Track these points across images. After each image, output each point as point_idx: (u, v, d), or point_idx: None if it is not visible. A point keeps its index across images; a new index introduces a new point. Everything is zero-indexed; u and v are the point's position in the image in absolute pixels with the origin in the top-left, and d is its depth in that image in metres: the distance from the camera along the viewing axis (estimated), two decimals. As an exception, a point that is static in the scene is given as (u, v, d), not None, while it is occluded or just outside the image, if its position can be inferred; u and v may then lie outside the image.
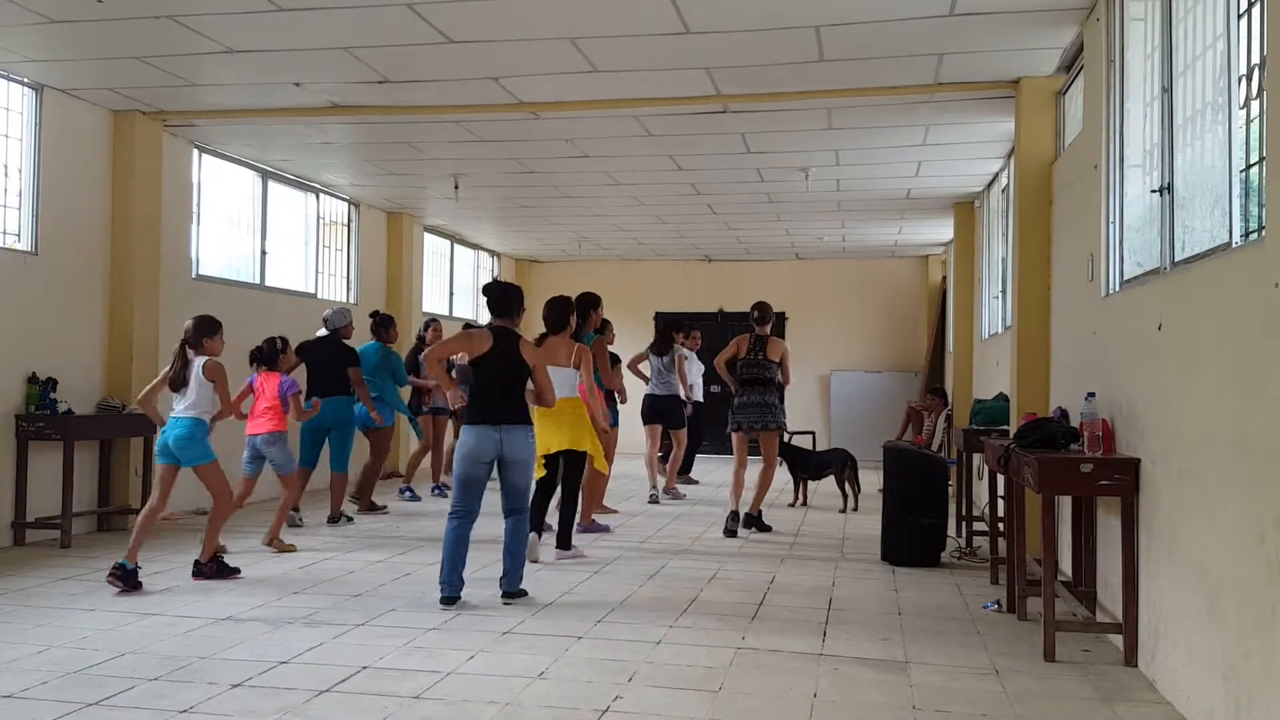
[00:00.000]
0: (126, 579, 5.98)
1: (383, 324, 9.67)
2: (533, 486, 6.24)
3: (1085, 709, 4.14)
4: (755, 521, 8.61)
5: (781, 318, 16.39)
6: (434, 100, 7.89)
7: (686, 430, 11.15)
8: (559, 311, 7.11)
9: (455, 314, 15.05)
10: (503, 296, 6.04)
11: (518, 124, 8.51)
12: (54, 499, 7.66)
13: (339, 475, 8.68)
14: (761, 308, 8.56)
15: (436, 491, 10.64)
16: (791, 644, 5.04)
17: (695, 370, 11.55)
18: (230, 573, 6.42)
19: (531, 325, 7.64)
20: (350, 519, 8.79)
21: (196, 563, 6.43)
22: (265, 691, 4.20)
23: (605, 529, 8.46)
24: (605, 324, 9.36)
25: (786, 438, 10.08)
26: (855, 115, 8.11)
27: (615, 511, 9.53)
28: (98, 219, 8.38)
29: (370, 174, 10.92)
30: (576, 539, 7.59)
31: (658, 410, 10.89)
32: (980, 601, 6.02)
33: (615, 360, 9.44)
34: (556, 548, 7.26)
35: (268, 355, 7.50)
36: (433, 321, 10.58)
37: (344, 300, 12.16)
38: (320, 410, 8.01)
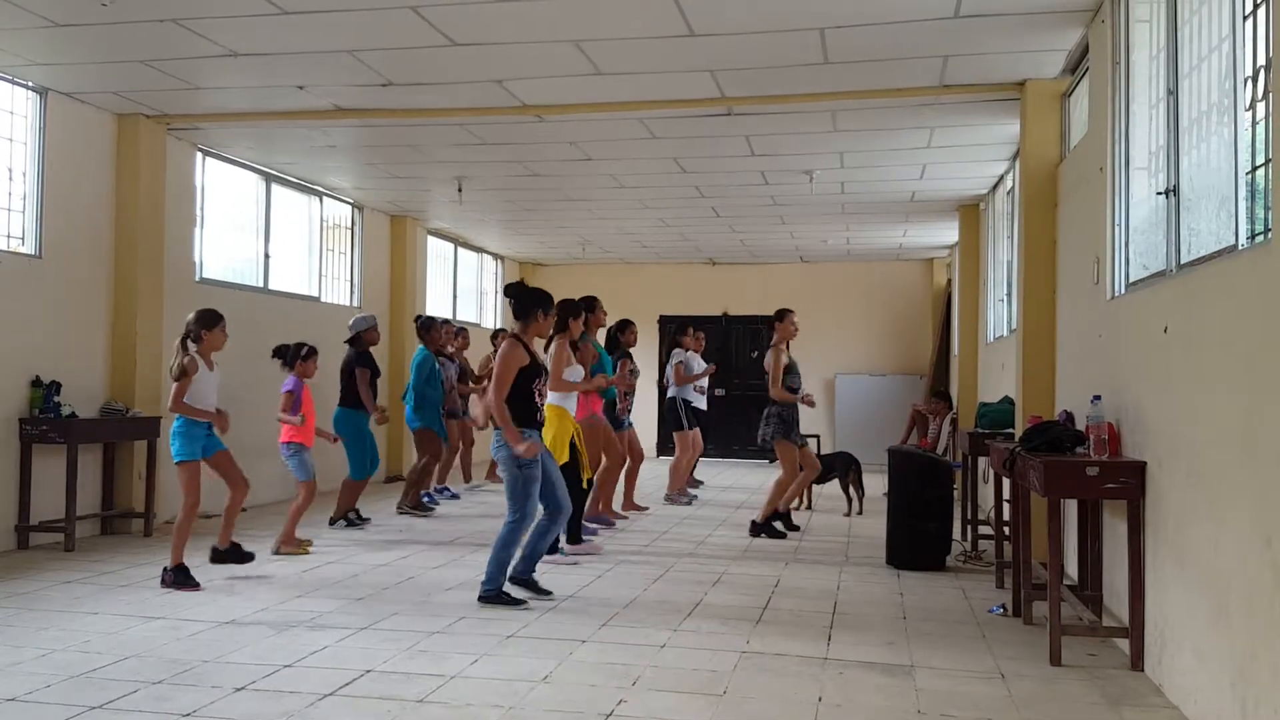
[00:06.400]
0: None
1: (425, 327, 9.77)
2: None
3: (1092, 713, 4.13)
4: (764, 528, 8.55)
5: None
6: (437, 103, 7.89)
7: (688, 434, 10.95)
8: (557, 312, 7.12)
9: (459, 318, 15.05)
10: (515, 299, 6.10)
11: (521, 127, 8.51)
12: (57, 502, 7.67)
13: (346, 481, 8.67)
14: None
15: (447, 494, 10.74)
16: (796, 648, 5.02)
17: (695, 370, 11.43)
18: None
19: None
20: (353, 524, 8.73)
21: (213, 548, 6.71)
22: (269, 695, 4.19)
23: (592, 532, 8.33)
24: (626, 325, 9.46)
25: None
26: (860, 118, 8.10)
27: (646, 509, 9.85)
28: (101, 222, 8.38)
29: (373, 177, 10.92)
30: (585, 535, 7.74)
31: (664, 414, 11.03)
32: (986, 605, 6.00)
33: (625, 356, 9.37)
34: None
35: (286, 356, 7.43)
36: (461, 330, 10.92)
37: (348, 304, 12.16)
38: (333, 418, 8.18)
